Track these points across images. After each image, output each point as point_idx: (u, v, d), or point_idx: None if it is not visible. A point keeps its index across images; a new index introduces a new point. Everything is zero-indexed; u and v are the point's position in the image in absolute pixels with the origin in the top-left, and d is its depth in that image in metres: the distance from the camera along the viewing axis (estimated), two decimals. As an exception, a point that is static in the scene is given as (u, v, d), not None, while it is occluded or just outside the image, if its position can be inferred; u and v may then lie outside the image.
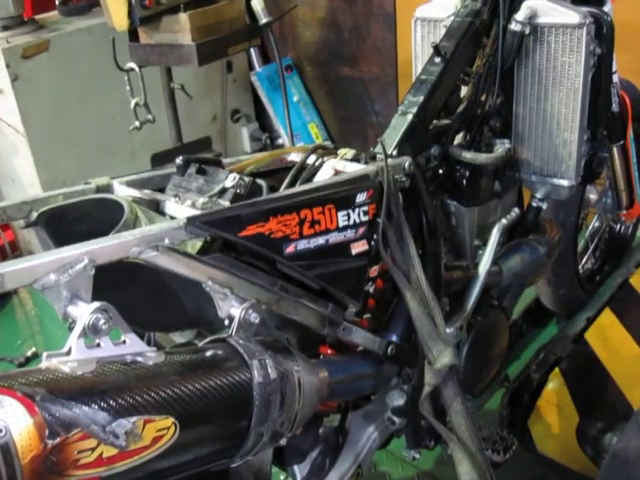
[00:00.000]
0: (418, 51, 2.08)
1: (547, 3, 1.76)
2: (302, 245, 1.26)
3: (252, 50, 3.41)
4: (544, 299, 2.66)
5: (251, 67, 3.56)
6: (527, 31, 1.72)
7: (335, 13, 3.34)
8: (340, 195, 1.34)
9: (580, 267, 2.73)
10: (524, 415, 2.07)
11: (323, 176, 1.45)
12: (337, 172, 1.47)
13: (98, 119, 3.11)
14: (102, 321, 0.86)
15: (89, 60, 3.03)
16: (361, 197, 1.37)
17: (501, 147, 1.83)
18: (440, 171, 1.79)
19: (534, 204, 1.99)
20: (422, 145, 1.71)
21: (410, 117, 1.67)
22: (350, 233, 1.35)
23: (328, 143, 1.71)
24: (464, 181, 1.78)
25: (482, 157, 1.74)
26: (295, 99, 3.55)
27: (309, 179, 1.44)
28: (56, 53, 2.95)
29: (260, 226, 1.18)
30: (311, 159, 1.54)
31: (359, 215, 1.37)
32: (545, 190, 1.97)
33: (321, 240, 1.30)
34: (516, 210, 1.86)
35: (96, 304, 0.87)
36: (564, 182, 1.94)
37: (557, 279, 2.53)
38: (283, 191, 1.30)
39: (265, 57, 3.58)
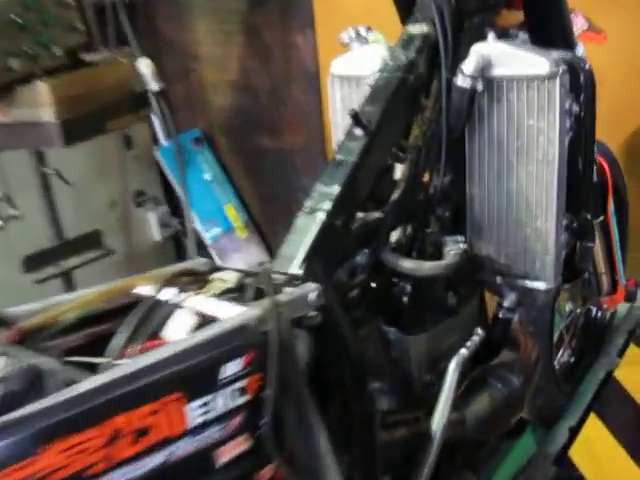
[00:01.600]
0: (338, 117, 1.59)
1: (504, 47, 1.27)
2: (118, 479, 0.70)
3: (155, 120, 2.89)
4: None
5: (155, 141, 3.04)
6: (479, 87, 1.22)
7: (248, 75, 2.84)
8: (192, 372, 0.80)
9: (555, 362, 2.33)
10: None
11: (175, 331, 0.90)
12: (202, 320, 0.92)
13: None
14: None
15: None
16: (233, 367, 0.83)
17: (453, 247, 1.32)
18: (372, 285, 1.26)
19: (501, 315, 1.48)
20: (342, 254, 1.19)
21: (322, 216, 1.16)
22: (213, 432, 0.81)
23: (206, 261, 1.16)
24: (404, 299, 1.26)
25: (427, 266, 1.23)
26: (207, 177, 3.01)
27: (151, 339, 0.89)
28: None
29: (20, 468, 0.62)
30: (168, 294, 1.00)
31: (230, 398, 0.83)
32: (515, 296, 1.47)
33: (157, 459, 0.75)
34: (479, 332, 1.33)
35: None
36: (540, 285, 1.45)
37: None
38: (76, 386, 0.73)
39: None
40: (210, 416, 0.82)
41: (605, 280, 2.14)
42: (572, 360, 2.46)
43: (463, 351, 1.30)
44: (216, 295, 0.99)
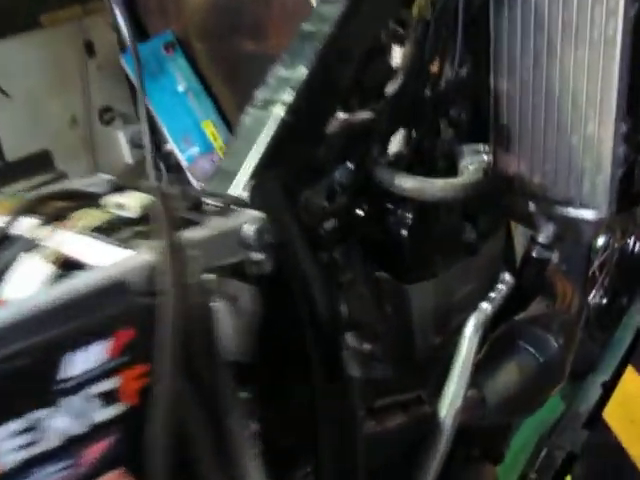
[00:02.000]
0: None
1: None
2: None
3: (121, 22, 2.46)
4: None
5: (123, 47, 2.62)
6: None
7: (228, -32, 2.41)
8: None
9: (586, 305, 2.03)
10: None
11: (17, 286, 0.53)
12: (59, 271, 0.54)
13: None
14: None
15: None
16: (89, 358, 0.45)
17: (473, 159, 0.93)
18: (358, 213, 0.89)
19: (536, 254, 1.11)
20: (311, 168, 0.81)
21: (279, 112, 0.77)
22: (48, 476, 0.43)
23: (108, 179, 0.78)
24: (403, 233, 0.88)
25: (436, 186, 0.84)
26: (180, 89, 2.60)
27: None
28: None
29: None
30: (23, 227, 0.62)
31: (82, 413, 0.45)
32: (555, 229, 1.08)
33: None
34: (506, 278, 0.96)
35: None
36: (587, 214, 1.06)
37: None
38: None
39: (143, 31, 2.64)
40: (39, 450, 0.45)
41: (652, 208, 1.76)
42: (605, 302, 2.17)
43: (485, 305, 0.93)
44: (93, 230, 0.61)
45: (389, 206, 0.90)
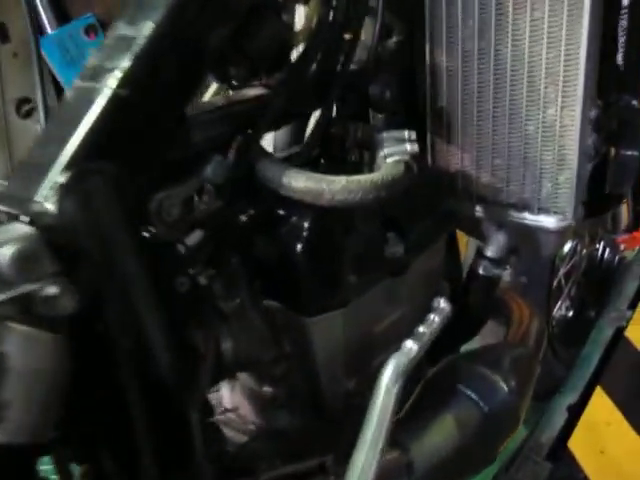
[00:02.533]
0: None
1: None
2: None
3: (39, 3, 2.21)
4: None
5: (42, 31, 2.38)
6: None
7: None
8: None
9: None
10: None
11: None
12: None
13: None
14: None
15: None
16: None
17: (395, 150, 0.69)
18: (240, 221, 0.65)
19: (483, 271, 0.87)
20: (163, 161, 0.56)
21: (111, 84, 0.51)
22: None
23: None
24: (297, 251, 0.64)
25: (337, 185, 0.60)
26: (104, 78, 2.37)
27: None
28: None
29: None
30: None
31: None
32: (506, 240, 0.85)
33: None
34: (441, 305, 0.73)
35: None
36: (549, 220, 0.85)
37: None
38: None
39: (63, 14, 2.39)
40: None
41: (625, 212, 1.56)
42: (571, 315, 1.96)
43: (409, 345, 0.69)
44: None
45: (280, 212, 0.67)
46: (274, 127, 0.71)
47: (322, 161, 0.75)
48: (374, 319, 0.76)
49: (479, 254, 0.89)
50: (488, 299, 0.90)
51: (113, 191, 0.53)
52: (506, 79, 0.82)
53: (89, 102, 0.57)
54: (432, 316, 0.73)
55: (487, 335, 0.95)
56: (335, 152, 0.74)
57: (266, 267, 0.69)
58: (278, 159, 0.68)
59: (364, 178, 0.63)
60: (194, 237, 0.63)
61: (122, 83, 0.57)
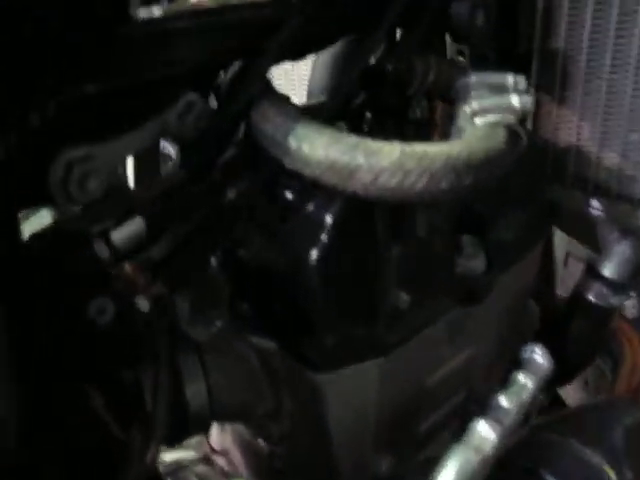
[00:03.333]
0: None
1: None
2: None
3: None
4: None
5: None
6: None
7: None
8: None
9: None
10: None
11: None
12: None
13: None
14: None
15: None
16: None
17: (491, 103, 0.38)
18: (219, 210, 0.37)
19: (595, 297, 0.56)
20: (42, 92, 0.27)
21: None
22: None
23: None
24: (310, 260, 0.34)
25: (389, 157, 0.31)
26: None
27: None
28: None
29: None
30: None
31: None
32: (632, 254, 0.55)
33: None
34: (536, 356, 0.43)
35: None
36: None
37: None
38: None
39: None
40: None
41: None
42: None
43: (483, 428, 0.41)
44: None
45: (286, 197, 0.39)
46: (292, 54, 0.43)
47: (368, 116, 0.47)
48: (426, 370, 0.48)
49: (591, 271, 0.60)
50: (597, 337, 0.62)
51: None
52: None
53: None
54: (521, 377, 0.45)
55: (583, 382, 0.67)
56: (390, 102, 0.46)
57: (260, 284, 0.42)
58: (292, 106, 0.40)
59: (435, 150, 0.35)
60: (129, 229, 0.36)
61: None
